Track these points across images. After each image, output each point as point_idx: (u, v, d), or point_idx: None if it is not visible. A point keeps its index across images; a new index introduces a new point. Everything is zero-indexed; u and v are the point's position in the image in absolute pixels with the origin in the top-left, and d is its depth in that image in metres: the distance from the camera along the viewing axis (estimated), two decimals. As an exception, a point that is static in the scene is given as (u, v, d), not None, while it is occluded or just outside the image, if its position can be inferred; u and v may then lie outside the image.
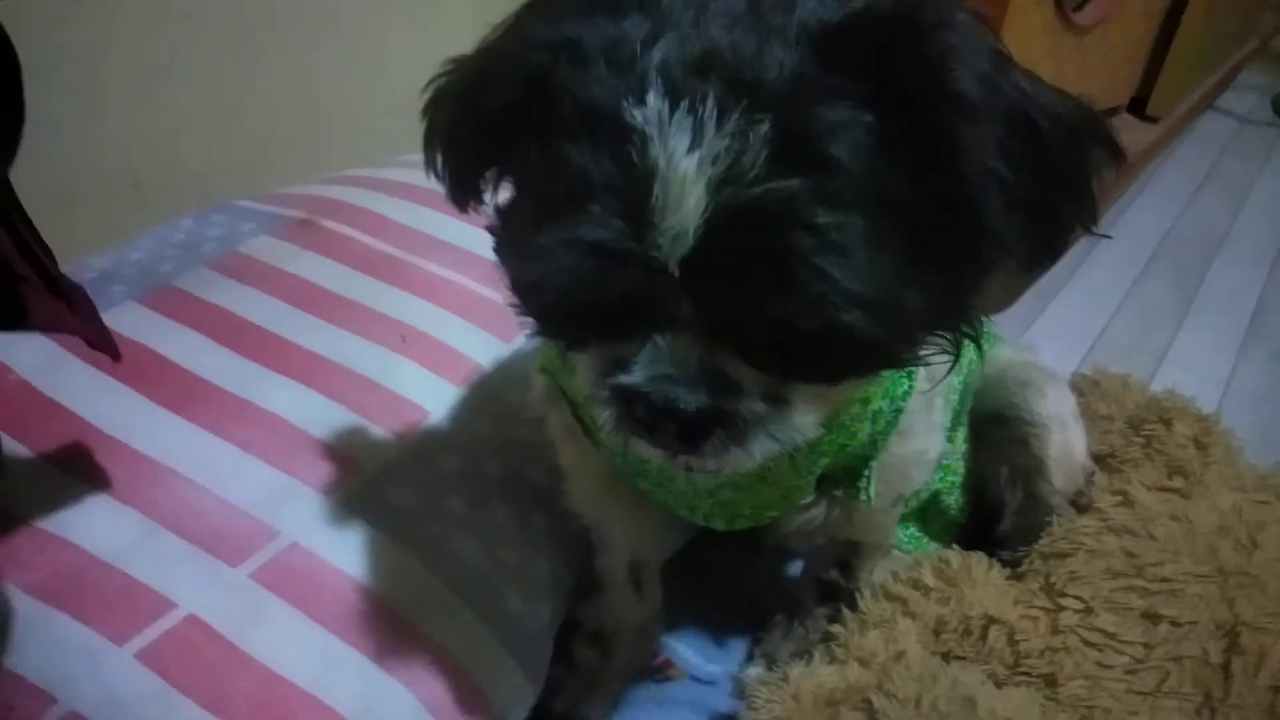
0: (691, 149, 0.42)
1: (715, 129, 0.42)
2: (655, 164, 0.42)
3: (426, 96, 0.55)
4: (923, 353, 0.51)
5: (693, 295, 0.45)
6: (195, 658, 0.64)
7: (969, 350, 0.92)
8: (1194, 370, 1.51)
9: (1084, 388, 1.12)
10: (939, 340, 0.52)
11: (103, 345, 0.60)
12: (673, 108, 0.42)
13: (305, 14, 1.33)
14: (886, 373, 0.61)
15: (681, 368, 0.47)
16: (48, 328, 0.58)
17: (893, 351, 0.49)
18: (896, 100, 0.43)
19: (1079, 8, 1.56)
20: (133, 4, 1.14)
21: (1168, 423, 0.93)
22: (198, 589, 0.67)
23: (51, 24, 1.06)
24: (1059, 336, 1.54)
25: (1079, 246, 1.84)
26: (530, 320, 0.53)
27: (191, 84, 1.24)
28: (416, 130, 0.56)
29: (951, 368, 0.61)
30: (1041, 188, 0.44)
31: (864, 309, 0.43)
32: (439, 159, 0.55)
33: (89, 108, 1.13)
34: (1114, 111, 1.89)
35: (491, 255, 1.10)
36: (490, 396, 0.92)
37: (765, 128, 0.42)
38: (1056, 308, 1.64)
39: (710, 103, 0.42)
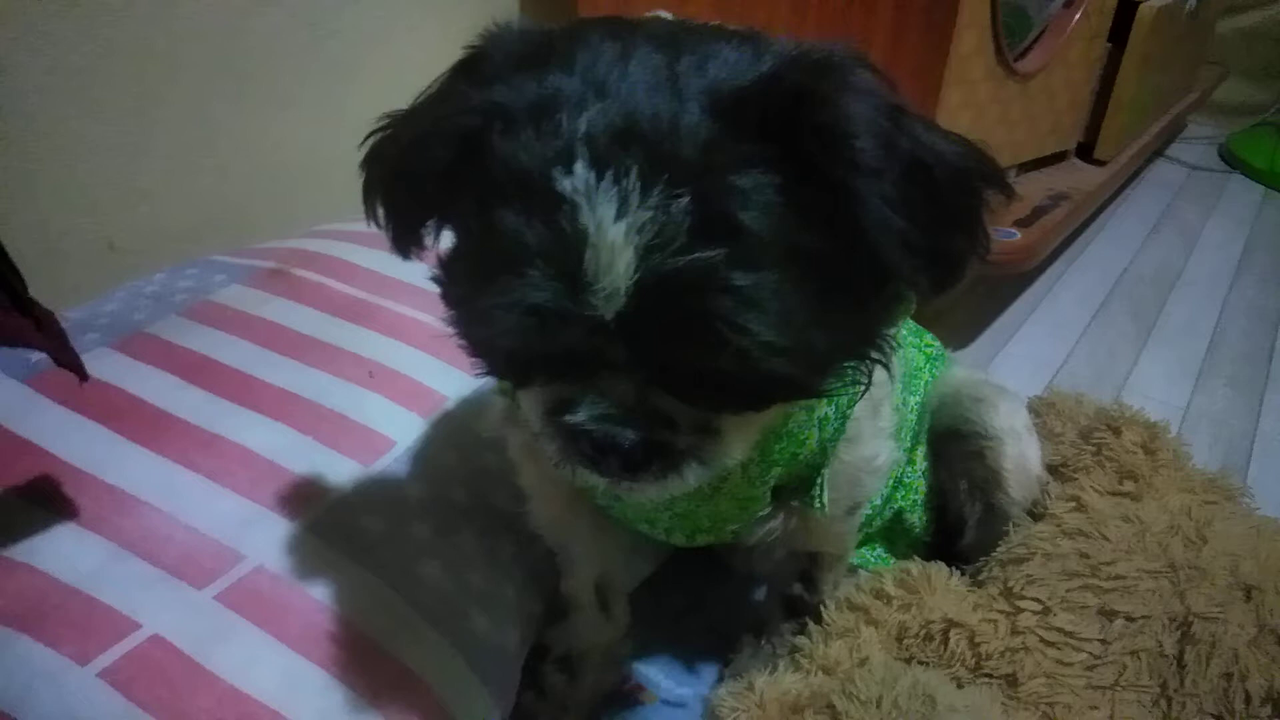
0: (619, 218, 0.45)
1: (640, 201, 0.45)
2: (586, 231, 0.45)
3: (363, 152, 0.57)
4: (836, 383, 0.56)
5: (627, 344, 0.48)
6: (158, 676, 0.65)
7: (924, 372, 0.97)
8: (1154, 398, 1.54)
9: (1039, 409, 1.15)
10: (851, 370, 0.56)
11: (68, 363, 0.62)
12: (599, 178, 0.45)
13: (271, 85, 1.39)
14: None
15: (620, 408, 0.52)
16: (13, 342, 0.60)
17: (808, 385, 0.54)
18: (802, 162, 0.46)
19: (1020, 56, 1.64)
20: (109, 73, 1.19)
21: (1116, 430, 0.96)
22: (162, 610, 0.68)
23: (24, 93, 1.10)
24: (1022, 369, 1.58)
25: (1040, 283, 1.90)
26: (479, 363, 0.57)
27: (166, 148, 1.28)
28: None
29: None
30: (936, 227, 0.48)
31: (781, 356, 0.47)
32: (379, 210, 0.57)
33: (65, 169, 1.17)
34: (1063, 155, 1.96)
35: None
36: (457, 427, 0.93)
37: (685, 201, 0.45)
38: (1019, 342, 1.68)
39: (634, 176, 0.45)
